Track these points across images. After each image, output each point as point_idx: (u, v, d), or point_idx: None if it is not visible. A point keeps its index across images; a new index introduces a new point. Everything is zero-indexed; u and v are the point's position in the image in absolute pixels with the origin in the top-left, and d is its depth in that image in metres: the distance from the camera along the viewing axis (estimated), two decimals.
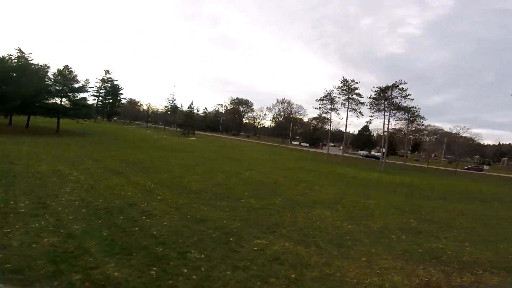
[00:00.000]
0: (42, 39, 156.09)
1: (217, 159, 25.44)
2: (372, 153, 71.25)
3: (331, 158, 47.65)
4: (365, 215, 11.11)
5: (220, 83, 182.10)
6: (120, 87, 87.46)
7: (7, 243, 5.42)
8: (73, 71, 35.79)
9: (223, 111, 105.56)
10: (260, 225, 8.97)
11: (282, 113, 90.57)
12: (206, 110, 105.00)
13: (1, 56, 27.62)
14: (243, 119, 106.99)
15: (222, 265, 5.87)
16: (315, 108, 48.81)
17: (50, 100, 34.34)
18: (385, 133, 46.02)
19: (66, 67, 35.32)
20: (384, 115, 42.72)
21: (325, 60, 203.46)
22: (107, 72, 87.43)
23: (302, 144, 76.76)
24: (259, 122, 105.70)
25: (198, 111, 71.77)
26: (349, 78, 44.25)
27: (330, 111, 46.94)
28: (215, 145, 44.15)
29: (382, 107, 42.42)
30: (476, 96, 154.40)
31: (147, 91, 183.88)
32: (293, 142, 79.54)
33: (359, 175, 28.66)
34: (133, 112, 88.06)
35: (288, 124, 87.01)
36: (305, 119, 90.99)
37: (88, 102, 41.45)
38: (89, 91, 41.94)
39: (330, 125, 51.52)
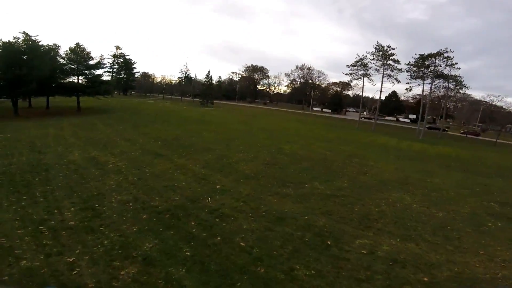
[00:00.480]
0: (38, 20, 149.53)
1: (249, 131, 23.44)
2: (400, 119, 66.77)
3: (362, 125, 44.54)
4: (444, 198, 10.21)
5: (232, 52, 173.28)
6: (132, 61, 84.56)
7: (80, 281, 3.98)
8: (85, 48, 33.49)
9: (237, 79, 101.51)
10: (348, 219, 7.76)
11: (301, 79, 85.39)
12: (220, 78, 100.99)
13: (8, 41, 25.84)
14: (258, 86, 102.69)
15: (341, 280, 4.88)
16: (346, 74, 45.46)
17: (66, 80, 32.86)
18: (424, 101, 42.75)
19: (77, 44, 32.80)
20: (424, 83, 39.90)
21: (341, 25, 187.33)
22: (118, 47, 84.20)
23: (323, 110, 72.80)
24: (274, 88, 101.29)
25: (212, 80, 68.11)
26: (384, 44, 41.52)
27: (363, 76, 43.46)
28: (238, 115, 41.92)
29: (421, 74, 39.40)
30: (505, 65, 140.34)
31: (160, 64, 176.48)
32: (314, 109, 75.58)
33: (401, 146, 26.15)
34: (148, 85, 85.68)
35: (308, 90, 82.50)
36: (323, 85, 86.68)
37: (104, 78, 39.42)
38: (104, 68, 39.69)
39: (362, 91, 47.48)
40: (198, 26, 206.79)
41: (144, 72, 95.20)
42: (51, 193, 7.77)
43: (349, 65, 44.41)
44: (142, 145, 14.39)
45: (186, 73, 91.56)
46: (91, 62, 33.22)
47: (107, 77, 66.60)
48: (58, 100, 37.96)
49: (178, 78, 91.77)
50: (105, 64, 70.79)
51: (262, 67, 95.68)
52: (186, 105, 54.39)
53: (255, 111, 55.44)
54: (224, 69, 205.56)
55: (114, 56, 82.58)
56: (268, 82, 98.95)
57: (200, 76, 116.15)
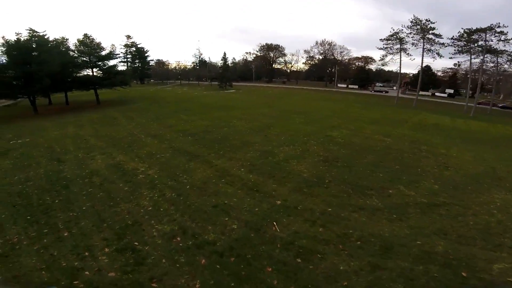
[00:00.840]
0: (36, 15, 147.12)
1: (281, 116, 20.88)
2: (436, 94, 60.46)
3: (400, 101, 40.25)
4: None
5: (243, 33, 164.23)
6: (145, 49, 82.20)
7: None
8: (94, 38, 31.70)
9: (252, 59, 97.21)
10: (469, 238, 5.74)
11: (322, 55, 79.77)
12: (235, 60, 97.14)
13: (17, 38, 24.71)
14: (274, 65, 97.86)
15: None
16: (379, 48, 42.30)
17: (81, 73, 31.48)
18: (476, 76, 38.88)
19: (85, 35, 30.95)
20: (471, 57, 36.21)
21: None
22: (128, 37, 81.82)
23: (349, 86, 67.47)
24: (291, 66, 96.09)
25: (227, 62, 64.67)
26: (423, 18, 38.31)
27: (400, 51, 40.20)
28: (261, 96, 39.14)
29: (467, 49, 35.85)
30: None
31: (172, 49, 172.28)
32: (338, 85, 70.36)
33: (458, 125, 22.65)
34: (164, 72, 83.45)
35: (331, 67, 77.21)
36: (345, 61, 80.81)
37: (119, 69, 37.89)
38: (117, 58, 37.93)
39: (400, 66, 42.57)
40: (207, 8, 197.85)
41: (158, 60, 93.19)
42: (75, 223, 6.10)
43: (382, 39, 41.34)
44: (170, 142, 12.48)
45: (199, 57, 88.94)
46: (103, 53, 31.32)
47: (122, 67, 65.59)
48: (77, 95, 37.11)
49: (193, 62, 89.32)
50: (118, 54, 69.55)
51: (277, 45, 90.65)
52: (204, 90, 52.21)
53: (276, 91, 52.27)
54: (237, 50, 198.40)
55: (126, 45, 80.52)
56: (285, 60, 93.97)
57: (214, 58, 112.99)
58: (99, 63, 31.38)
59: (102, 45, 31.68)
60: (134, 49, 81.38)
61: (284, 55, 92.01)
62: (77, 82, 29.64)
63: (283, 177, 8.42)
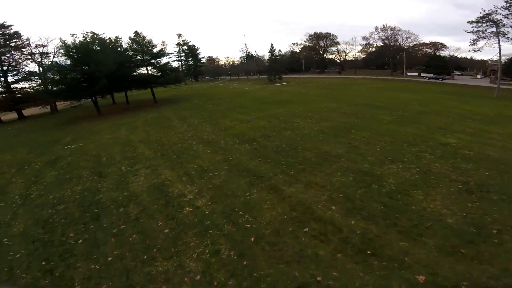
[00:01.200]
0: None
1: (358, 112, 16.43)
2: None
3: (501, 92, 31.29)
4: None
5: (286, 24, 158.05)
6: (196, 47, 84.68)
7: None
8: (145, 36, 31.47)
9: (299, 50, 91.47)
10: None
11: (384, 41, 69.84)
12: (281, 51, 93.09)
13: (79, 40, 25.73)
14: (326, 54, 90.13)
15: None
16: (468, 32, 34.31)
17: (136, 72, 31.96)
18: None
19: (136, 33, 30.84)
20: None
21: None
22: (179, 35, 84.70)
23: (422, 75, 57.06)
24: (346, 55, 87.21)
25: (274, 53, 61.06)
26: None
27: (497, 35, 31.81)
28: (317, 88, 34.72)
29: None
30: None
31: (220, 46, 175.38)
32: (408, 73, 60.15)
33: None
34: (215, 68, 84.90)
35: (394, 54, 67.04)
36: (411, 48, 69.38)
37: (173, 65, 37.98)
38: (170, 56, 38.15)
39: (500, 52, 33.41)
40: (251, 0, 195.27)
41: (209, 57, 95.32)
42: (95, 284, 4.15)
43: (471, 21, 33.74)
44: (225, 153, 9.97)
45: (246, 51, 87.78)
46: (155, 50, 31.16)
47: (176, 65, 68.00)
48: (136, 94, 38.68)
49: (240, 57, 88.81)
50: (173, 53, 72.31)
51: (328, 33, 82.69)
52: (254, 84, 49.97)
53: (334, 82, 46.79)
54: (282, 41, 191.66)
55: (178, 44, 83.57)
56: (337, 49, 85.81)
57: (260, 52, 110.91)
58: (153, 61, 31.42)
59: (153, 42, 31.67)
60: (186, 47, 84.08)
61: (337, 43, 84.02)
62: (134, 81, 30.13)
63: (413, 226, 4.94)
